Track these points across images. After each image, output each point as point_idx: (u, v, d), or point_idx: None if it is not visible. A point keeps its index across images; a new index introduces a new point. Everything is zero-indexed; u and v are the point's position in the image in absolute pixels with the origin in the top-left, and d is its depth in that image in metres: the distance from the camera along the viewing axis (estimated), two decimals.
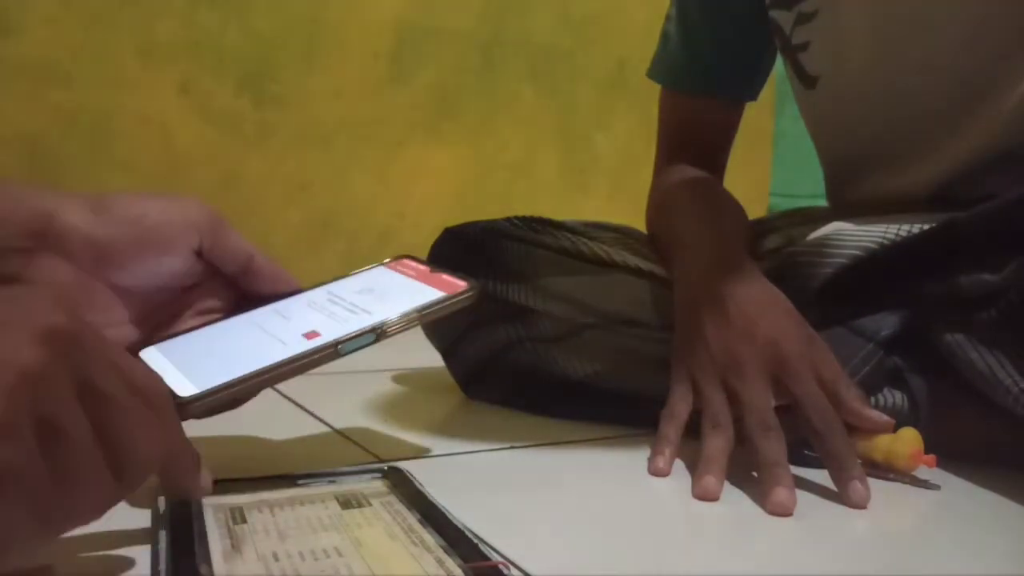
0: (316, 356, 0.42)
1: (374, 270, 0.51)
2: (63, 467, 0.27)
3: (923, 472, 0.50)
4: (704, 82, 0.80)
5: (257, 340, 0.44)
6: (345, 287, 0.49)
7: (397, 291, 0.47)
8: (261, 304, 0.47)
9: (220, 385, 0.40)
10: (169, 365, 0.41)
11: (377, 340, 0.43)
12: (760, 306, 0.53)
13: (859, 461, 0.47)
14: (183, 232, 0.43)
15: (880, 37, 0.63)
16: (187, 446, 0.36)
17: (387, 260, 0.52)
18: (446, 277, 0.48)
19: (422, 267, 0.50)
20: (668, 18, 0.81)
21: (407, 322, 0.44)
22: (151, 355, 0.43)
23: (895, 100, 0.64)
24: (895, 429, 0.51)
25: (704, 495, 0.46)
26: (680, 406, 0.52)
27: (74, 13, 1.04)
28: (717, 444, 0.48)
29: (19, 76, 1.02)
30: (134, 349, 0.43)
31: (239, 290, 0.47)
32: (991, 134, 0.60)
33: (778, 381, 0.49)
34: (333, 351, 0.42)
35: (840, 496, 0.46)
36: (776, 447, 0.47)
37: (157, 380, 0.34)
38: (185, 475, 0.36)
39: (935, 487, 0.49)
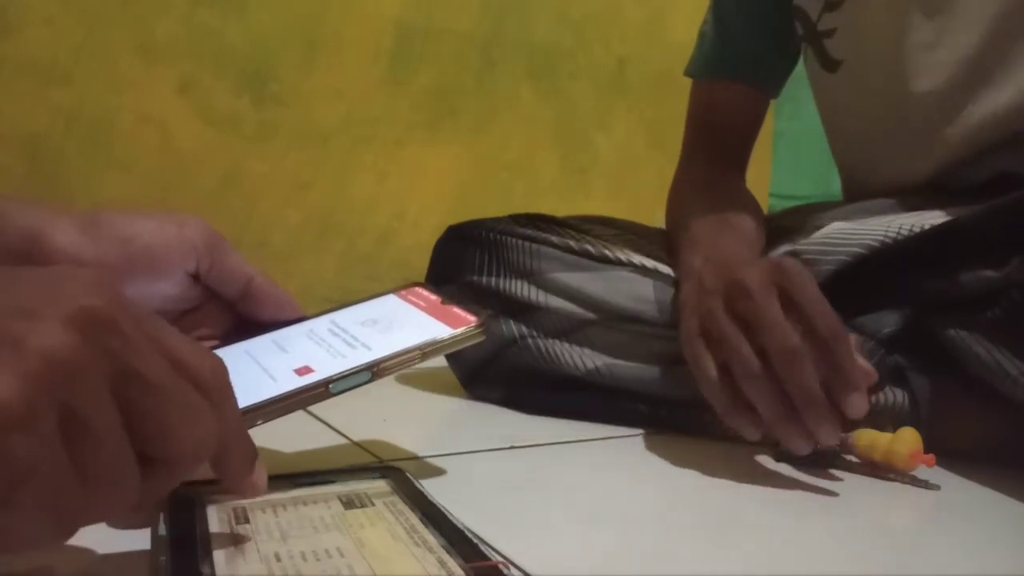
0: (305, 395, 0.40)
1: (383, 298, 0.49)
2: (87, 465, 0.25)
3: (923, 472, 0.50)
4: (735, 66, 0.81)
5: (248, 373, 0.41)
6: (349, 316, 0.47)
7: (402, 324, 0.45)
8: (262, 331, 0.45)
9: None
10: None
11: (373, 379, 0.41)
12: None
13: (859, 367, 0.47)
14: (178, 254, 0.41)
15: (901, 22, 0.64)
16: (244, 436, 0.32)
17: (398, 288, 0.50)
18: (456, 310, 0.46)
19: (433, 298, 0.48)
20: (705, 21, 0.83)
21: (407, 360, 0.42)
22: None
23: (910, 79, 0.65)
24: (895, 428, 0.51)
25: (800, 451, 0.47)
26: (707, 369, 0.49)
27: (74, 13, 1.04)
28: (772, 406, 0.47)
29: (19, 76, 1.02)
30: None
31: (239, 315, 0.45)
32: (1002, 113, 0.60)
33: (783, 291, 0.48)
34: (323, 391, 0.40)
35: (838, 404, 0.46)
36: (805, 375, 0.46)
37: (211, 360, 0.30)
38: (238, 469, 0.32)
39: (935, 487, 0.50)
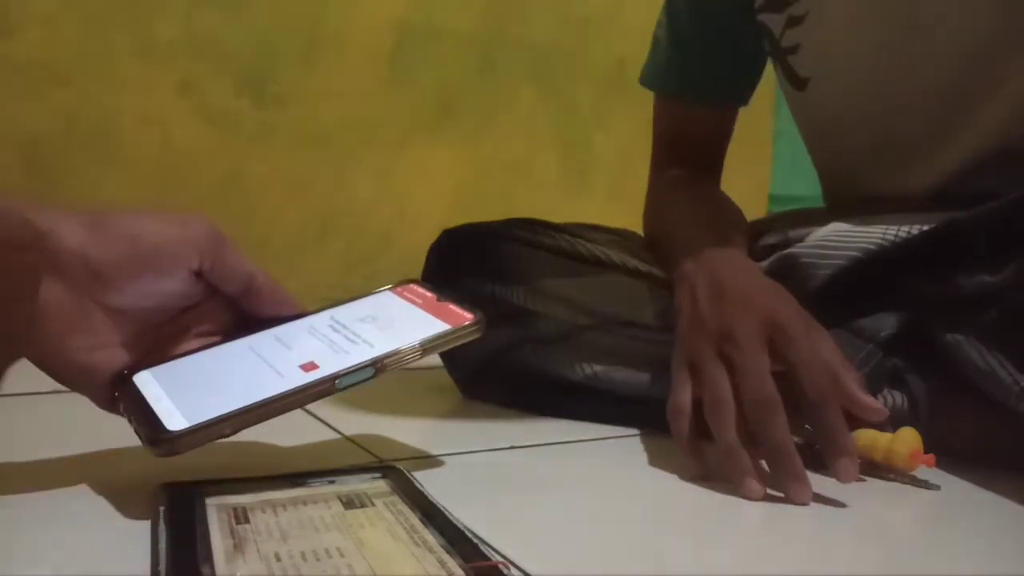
0: (312, 391, 0.41)
1: (379, 295, 0.50)
2: None
3: (923, 472, 0.50)
4: (695, 88, 0.80)
5: (253, 369, 0.42)
6: (348, 313, 0.47)
7: (401, 321, 0.46)
8: (262, 327, 0.46)
9: (210, 420, 0.39)
10: (161, 392, 0.40)
11: (376, 375, 0.42)
12: (759, 287, 0.53)
13: (850, 435, 0.46)
14: (182, 253, 0.42)
15: (870, 39, 0.63)
16: None
17: (393, 285, 0.50)
18: (452, 307, 0.47)
19: (429, 294, 0.48)
20: (659, 24, 0.81)
21: (408, 356, 0.43)
22: (144, 379, 0.41)
23: (889, 101, 0.64)
24: (895, 429, 0.51)
25: (749, 495, 0.45)
26: (682, 396, 0.50)
27: (73, 13, 1.04)
28: (728, 434, 0.46)
29: (19, 76, 1.02)
30: (127, 372, 0.42)
31: (240, 311, 0.46)
32: (987, 134, 0.60)
33: (774, 347, 0.48)
34: (330, 386, 0.41)
35: (828, 469, 0.46)
36: (778, 426, 0.45)
37: None
38: None
39: (935, 487, 0.50)
